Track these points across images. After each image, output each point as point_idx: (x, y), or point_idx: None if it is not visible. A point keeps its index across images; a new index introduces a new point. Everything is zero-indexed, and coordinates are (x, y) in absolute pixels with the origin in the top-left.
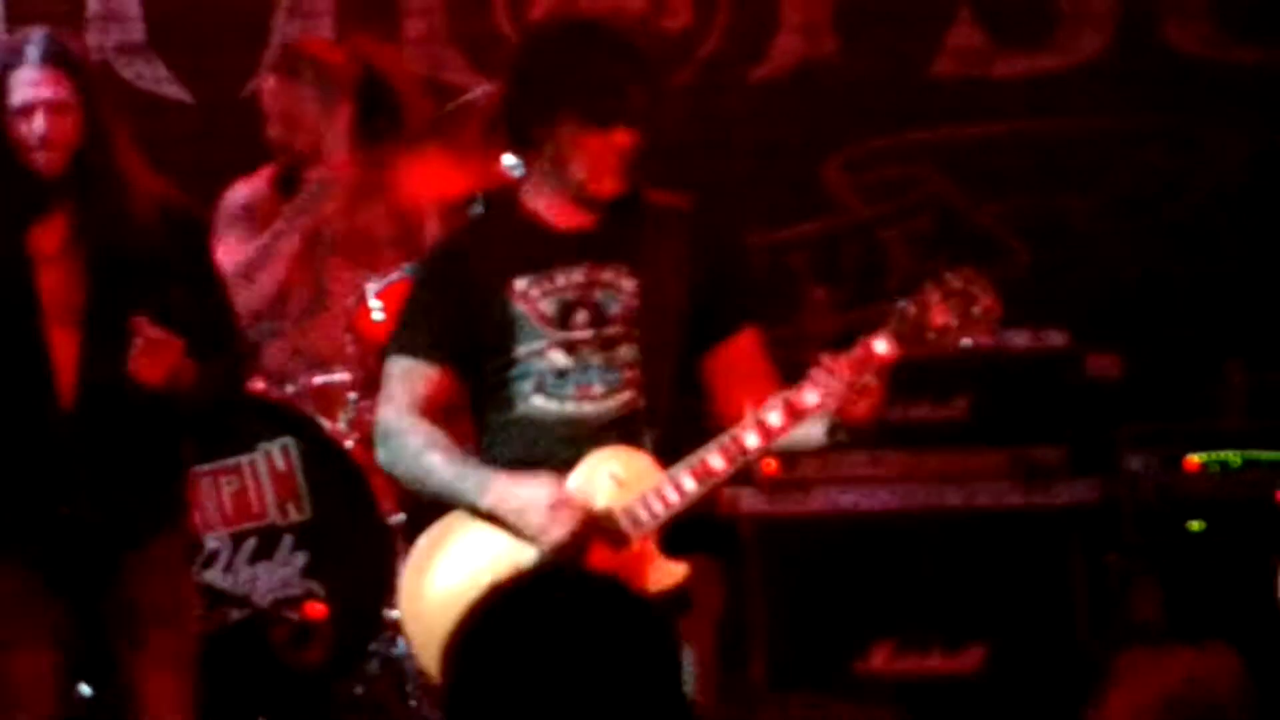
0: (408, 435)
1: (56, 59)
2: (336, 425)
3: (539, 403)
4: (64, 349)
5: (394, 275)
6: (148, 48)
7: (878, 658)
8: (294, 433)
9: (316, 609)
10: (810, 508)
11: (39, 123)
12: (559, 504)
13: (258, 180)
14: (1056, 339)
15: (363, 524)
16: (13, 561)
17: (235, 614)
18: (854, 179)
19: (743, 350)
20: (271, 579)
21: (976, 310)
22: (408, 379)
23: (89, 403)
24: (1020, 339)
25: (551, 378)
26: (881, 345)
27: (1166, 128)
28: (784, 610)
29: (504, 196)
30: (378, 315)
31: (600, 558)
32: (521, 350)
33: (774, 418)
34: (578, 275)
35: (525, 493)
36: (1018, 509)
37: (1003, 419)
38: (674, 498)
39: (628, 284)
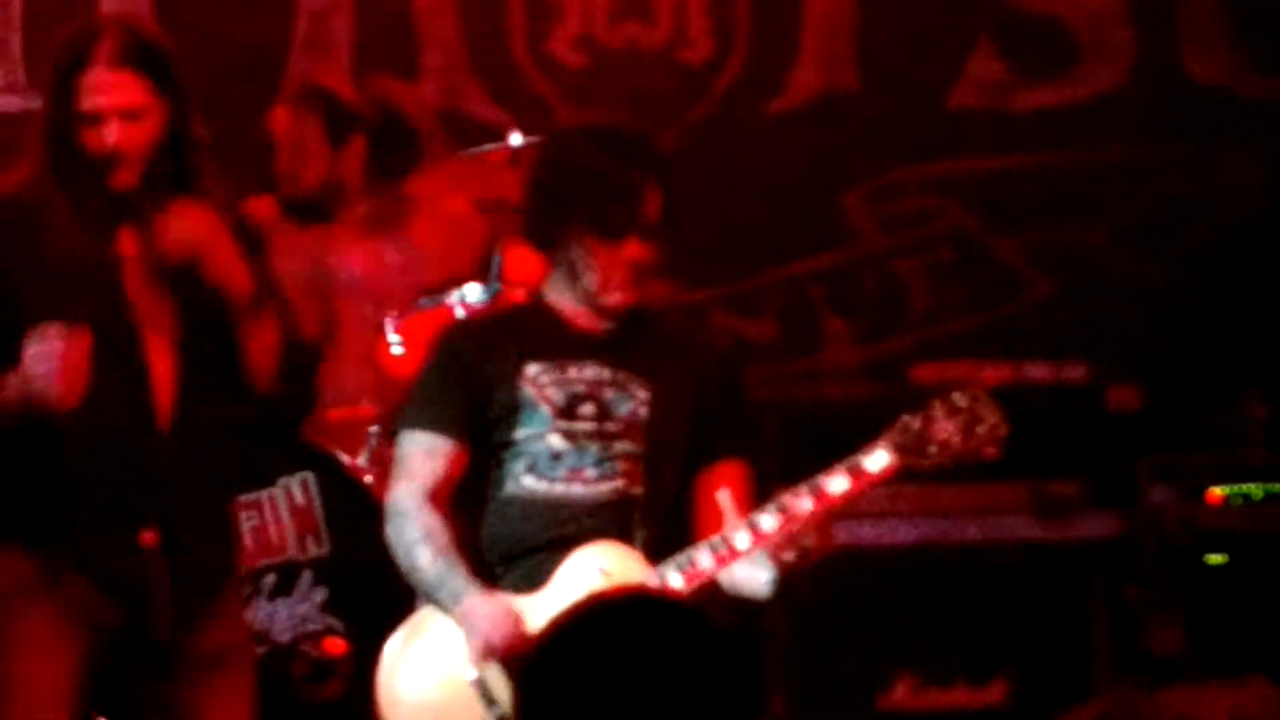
0: (408, 521)
1: (132, 58)
2: (356, 460)
3: (529, 482)
4: (161, 369)
5: (412, 308)
6: None
7: (900, 691)
8: (314, 467)
9: (336, 644)
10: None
11: (110, 133)
12: (499, 637)
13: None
14: (1076, 371)
15: (382, 559)
16: (74, 581)
17: (255, 650)
18: (873, 211)
19: (731, 478)
20: (291, 614)
21: (982, 429)
22: (426, 457)
23: (184, 426)
24: (1039, 371)
25: (545, 459)
26: (883, 457)
27: (1186, 158)
28: (806, 643)
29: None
30: (397, 350)
31: None
32: (522, 433)
33: (767, 521)
34: (590, 372)
35: (489, 615)
36: (1037, 542)
37: (1022, 451)
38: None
39: (640, 393)
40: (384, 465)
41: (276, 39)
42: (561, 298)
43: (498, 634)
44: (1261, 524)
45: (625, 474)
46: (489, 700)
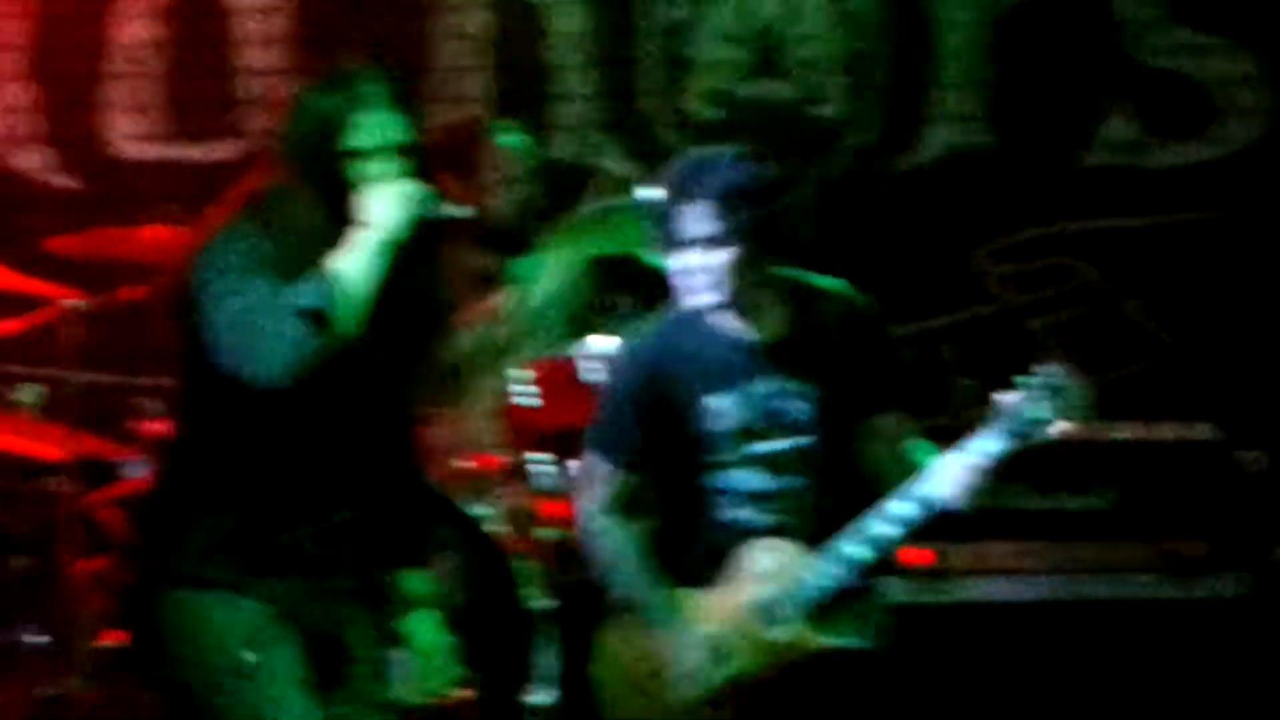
0: (605, 536)
1: (400, 100)
2: (483, 510)
3: (744, 515)
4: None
5: (539, 359)
6: None
7: None
8: (441, 517)
9: (462, 694)
10: (956, 598)
11: (390, 164)
12: (713, 659)
13: None
14: (1204, 432)
15: (508, 609)
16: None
17: None
18: (1004, 268)
19: (889, 431)
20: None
21: (1066, 400)
22: (607, 482)
23: (380, 437)
24: (1167, 431)
25: (758, 497)
26: (990, 443)
27: None
28: (930, 700)
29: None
30: (529, 401)
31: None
32: (711, 460)
33: (907, 509)
34: (763, 386)
35: (694, 633)
36: (1164, 601)
37: (1149, 511)
38: (825, 583)
39: (806, 392)
40: (511, 515)
41: (411, 91)
42: (728, 314)
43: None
44: None
45: (809, 490)
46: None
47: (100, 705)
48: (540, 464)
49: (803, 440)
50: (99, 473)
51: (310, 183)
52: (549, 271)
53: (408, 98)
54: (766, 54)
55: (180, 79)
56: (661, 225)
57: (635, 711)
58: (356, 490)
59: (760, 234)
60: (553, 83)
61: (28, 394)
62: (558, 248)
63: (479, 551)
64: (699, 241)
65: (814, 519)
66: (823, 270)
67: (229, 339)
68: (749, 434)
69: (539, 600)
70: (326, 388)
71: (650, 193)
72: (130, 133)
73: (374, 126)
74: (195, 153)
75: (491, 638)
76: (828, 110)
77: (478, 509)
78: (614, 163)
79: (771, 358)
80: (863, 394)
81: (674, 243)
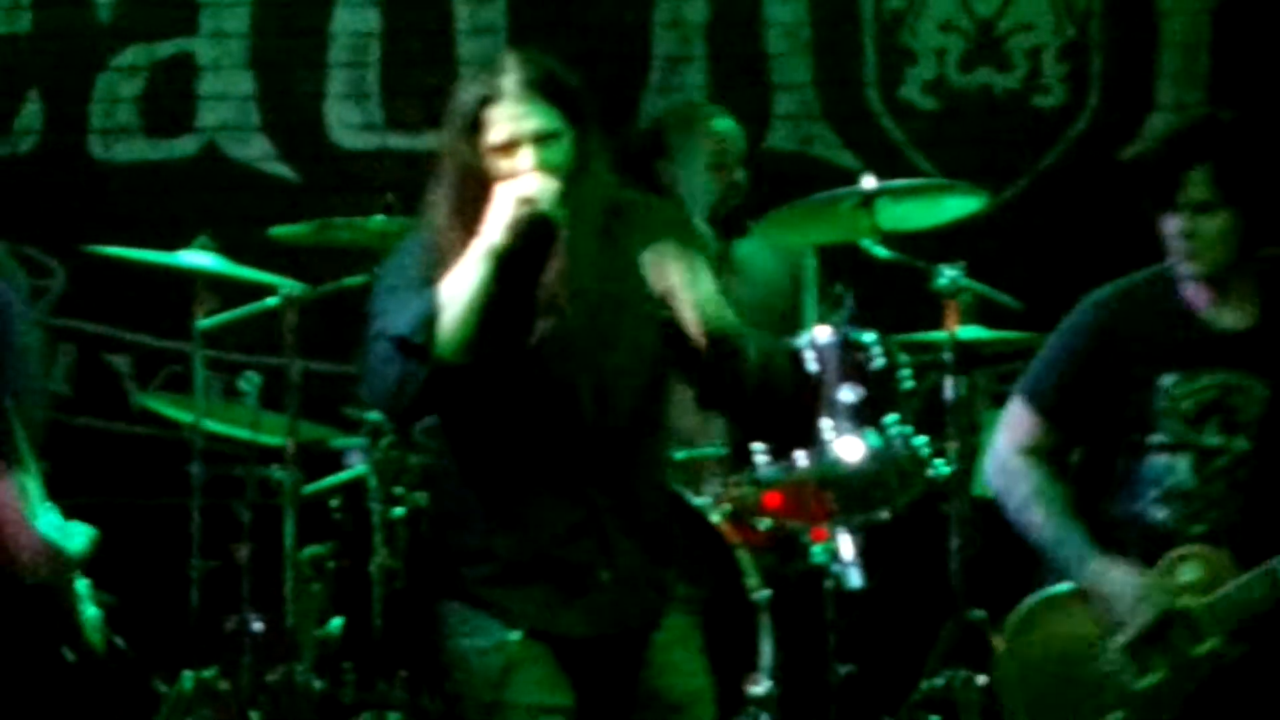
0: (1020, 479)
1: (542, 88)
2: (703, 499)
3: (1157, 514)
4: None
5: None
6: None
7: None
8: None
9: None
10: None
11: (524, 158)
12: (1146, 594)
13: None
14: None
15: (729, 599)
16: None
17: None
18: None
19: None
20: None
21: None
22: (1031, 429)
23: (618, 439)
24: None
25: (1176, 493)
26: None
27: None
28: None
29: (1162, 274)
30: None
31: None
32: (1154, 441)
33: None
34: (1221, 376)
35: (1119, 579)
36: None
37: None
38: (1254, 596)
39: (1261, 392)
40: (732, 504)
41: (629, 86)
42: (1190, 286)
43: (1139, 599)
44: None
45: (1244, 504)
46: (1139, 666)
47: (325, 691)
48: (761, 454)
49: (1244, 443)
50: (320, 460)
51: (456, 184)
52: (769, 260)
53: (563, 86)
54: (986, 43)
55: (398, 68)
56: (1155, 184)
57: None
58: (611, 493)
59: (1257, 204)
60: (771, 72)
61: (249, 382)
62: (779, 236)
63: (698, 541)
64: (1192, 205)
65: (1239, 531)
66: (1042, 264)
67: (358, 365)
68: (1190, 422)
69: (759, 591)
70: (562, 389)
71: (874, 184)
72: (349, 122)
73: (506, 119)
74: (413, 142)
75: (711, 628)
76: (1048, 100)
77: (698, 500)
78: (833, 152)
79: (1236, 347)
80: None
81: (1167, 205)
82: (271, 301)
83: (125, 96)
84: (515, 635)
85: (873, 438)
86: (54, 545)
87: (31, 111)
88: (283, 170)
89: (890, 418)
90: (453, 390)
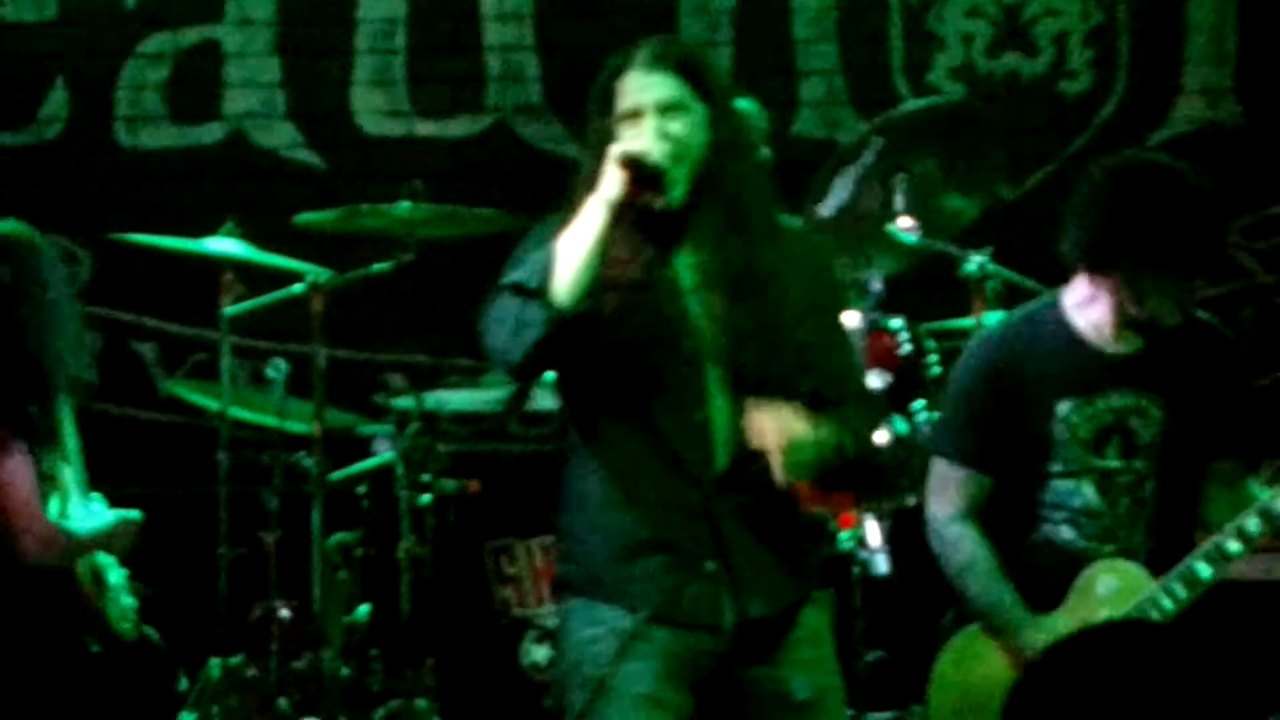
0: (953, 549)
1: (668, 61)
2: None
3: (1066, 535)
4: (719, 401)
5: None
6: (545, 109)
7: None
8: None
9: None
10: None
11: (649, 124)
12: None
13: None
14: None
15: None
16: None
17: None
18: (1254, 244)
19: (1225, 476)
20: None
21: None
22: (961, 485)
23: (742, 465)
24: None
25: (1082, 514)
26: None
27: None
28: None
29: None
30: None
31: None
32: (1054, 469)
33: (1252, 525)
34: (1116, 400)
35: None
36: None
37: None
38: (1168, 605)
39: (1157, 414)
40: None
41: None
42: (1091, 316)
43: None
44: None
45: (1149, 521)
46: None
47: (352, 678)
48: None
49: (1144, 463)
50: (347, 447)
51: (593, 157)
52: None
53: (692, 62)
54: (1013, 29)
55: (425, 54)
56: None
57: None
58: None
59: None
60: (798, 58)
61: (276, 369)
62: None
63: None
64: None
65: (1147, 547)
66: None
67: (480, 324)
68: (1089, 447)
69: None
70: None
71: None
72: (376, 108)
73: (632, 89)
74: (439, 128)
75: None
76: (1075, 85)
77: None
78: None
79: (1128, 370)
80: (1214, 432)
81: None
82: (298, 288)
83: (151, 84)
84: (634, 619)
85: (900, 424)
86: (60, 531)
87: (58, 99)
88: (309, 157)
89: (917, 403)
90: (571, 340)
